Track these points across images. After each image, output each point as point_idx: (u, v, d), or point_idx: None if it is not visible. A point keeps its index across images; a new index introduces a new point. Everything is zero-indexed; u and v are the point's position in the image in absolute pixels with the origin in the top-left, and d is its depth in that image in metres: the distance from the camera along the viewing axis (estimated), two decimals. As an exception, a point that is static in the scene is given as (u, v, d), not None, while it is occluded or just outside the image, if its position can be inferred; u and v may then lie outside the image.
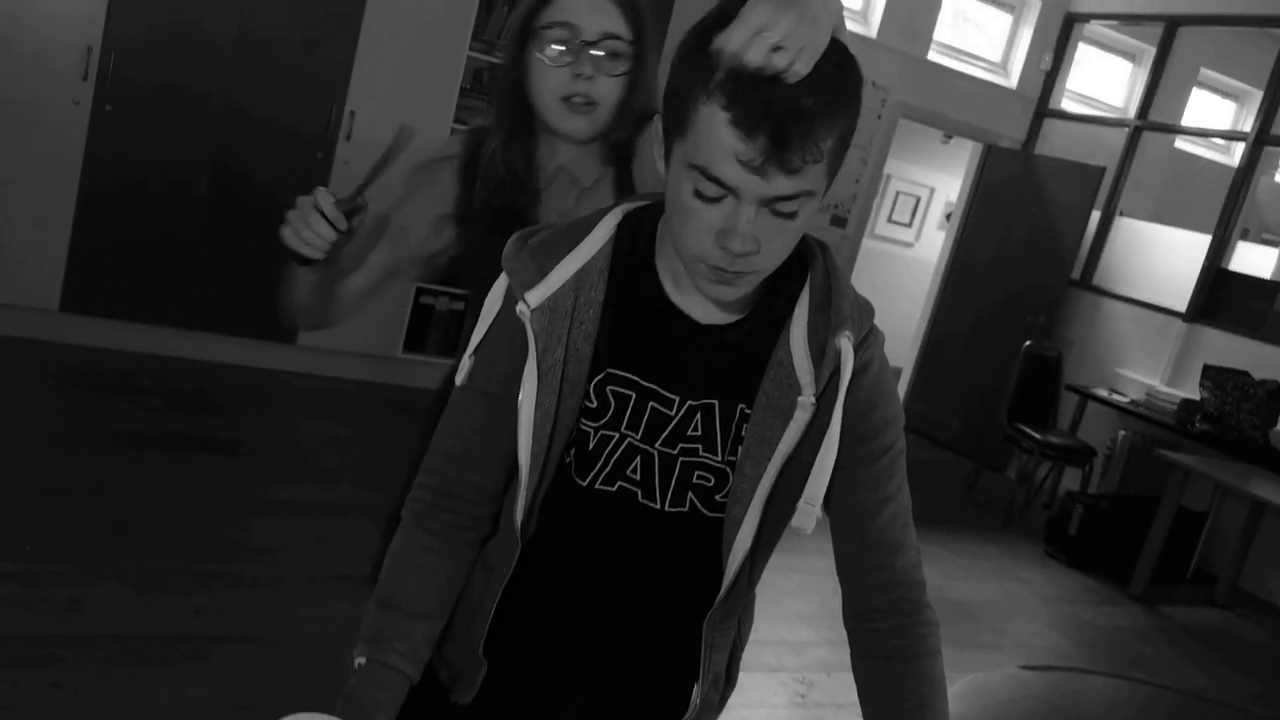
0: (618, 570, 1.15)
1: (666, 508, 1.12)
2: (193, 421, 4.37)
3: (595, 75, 1.39)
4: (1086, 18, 7.29)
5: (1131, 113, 7.04)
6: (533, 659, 1.21)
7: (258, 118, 4.80)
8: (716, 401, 1.09)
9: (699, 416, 1.09)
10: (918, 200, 9.77)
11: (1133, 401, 6.07)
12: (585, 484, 1.12)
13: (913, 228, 9.83)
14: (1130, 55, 7.62)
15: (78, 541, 3.14)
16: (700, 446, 1.10)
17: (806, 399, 1.05)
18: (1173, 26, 6.78)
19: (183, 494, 3.65)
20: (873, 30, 6.76)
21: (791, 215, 0.96)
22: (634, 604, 1.17)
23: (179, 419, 4.34)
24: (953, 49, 7.25)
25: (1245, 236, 6.62)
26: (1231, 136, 7.14)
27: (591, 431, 1.10)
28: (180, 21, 4.58)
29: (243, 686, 2.66)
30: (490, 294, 1.12)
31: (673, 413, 1.09)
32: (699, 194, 0.95)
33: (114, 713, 2.45)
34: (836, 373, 1.06)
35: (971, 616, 4.40)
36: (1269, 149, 6.21)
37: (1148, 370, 6.34)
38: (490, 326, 1.11)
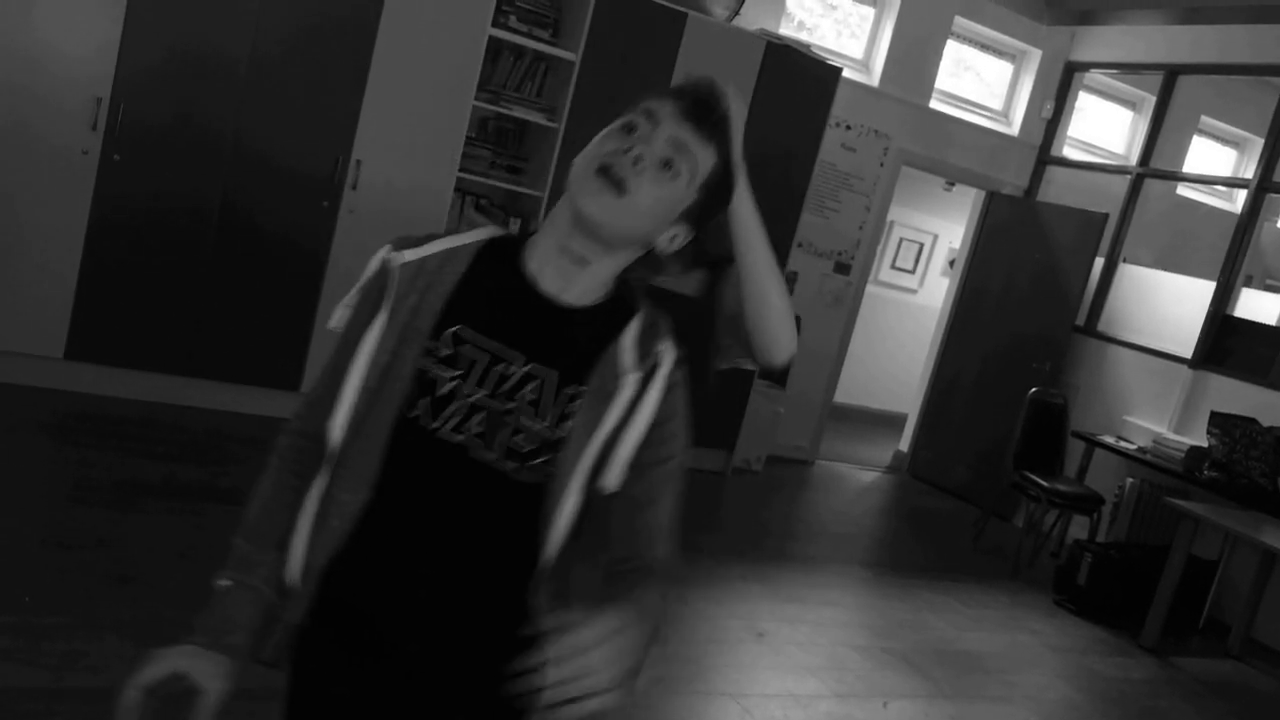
0: (455, 520, 1.28)
1: (500, 461, 1.26)
2: (197, 471, 4.35)
3: None
4: (1086, 66, 7.35)
5: (1133, 160, 7.07)
6: (372, 607, 1.30)
7: (265, 168, 4.83)
8: (557, 374, 1.26)
9: (538, 382, 1.26)
10: (921, 247, 9.80)
11: (1140, 449, 6.04)
12: (434, 428, 1.25)
13: (916, 274, 9.85)
14: (1131, 103, 7.67)
15: (78, 594, 3.11)
16: (533, 410, 1.26)
17: (632, 378, 1.26)
18: (1172, 75, 6.83)
19: (186, 545, 3.62)
20: (875, 79, 6.82)
21: (675, 174, 1.25)
22: (466, 560, 1.29)
23: (183, 468, 4.32)
24: (954, 97, 7.31)
25: (1249, 283, 6.61)
26: (1233, 183, 7.17)
27: (443, 380, 1.25)
28: (188, 72, 4.62)
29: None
30: (372, 260, 1.32)
31: (514, 370, 1.26)
32: (627, 126, 1.25)
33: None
34: (655, 371, 1.28)
35: (981, 668, 4.34)
36: (1271, 196, 6.23)
37: (1154, 417, 6.31)
38: (365, 284, 1.31)
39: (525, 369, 1.26)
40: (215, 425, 4.85)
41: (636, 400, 1.26)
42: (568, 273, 1.27)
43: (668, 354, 1.30)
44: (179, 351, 4.86)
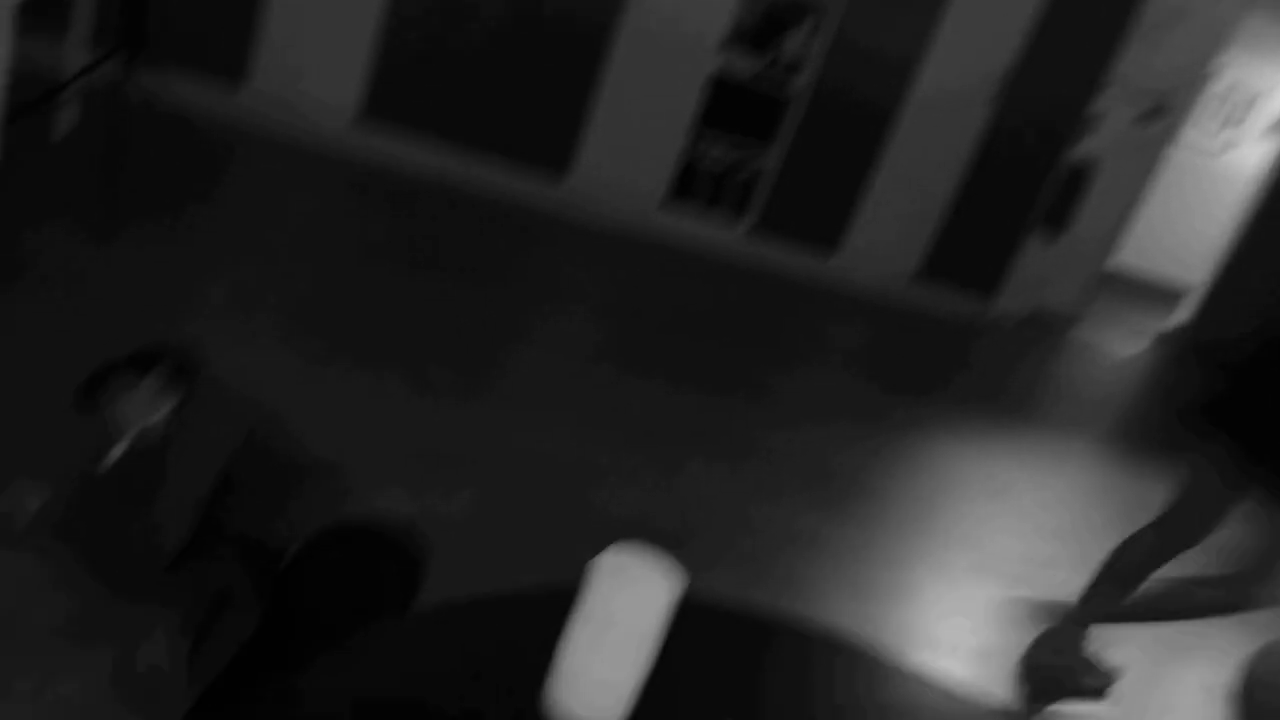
0: None
1: None
2: (470, 247, 4.50)
3: None
4: None
5: None
6: None
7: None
8: None
9: None
10: (1243, 102, 8.72)
11: None
12: None
13: (1228, 133, 8.83)
14: None
15: (356, 340, 3.33)
16: None
17: None
18: None
19: (451, 315, 3.79)
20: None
21: None
22: None
23: (456, 242, 4.48)
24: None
25: None
26: None
27: None
28: None
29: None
30: None
31: None
32: None
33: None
34: None
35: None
36: None
37: None
38: None
39: None
40: (494, 202, 4.97)
41: None
42: None
43: None
44: (468, 123, 4.97)
